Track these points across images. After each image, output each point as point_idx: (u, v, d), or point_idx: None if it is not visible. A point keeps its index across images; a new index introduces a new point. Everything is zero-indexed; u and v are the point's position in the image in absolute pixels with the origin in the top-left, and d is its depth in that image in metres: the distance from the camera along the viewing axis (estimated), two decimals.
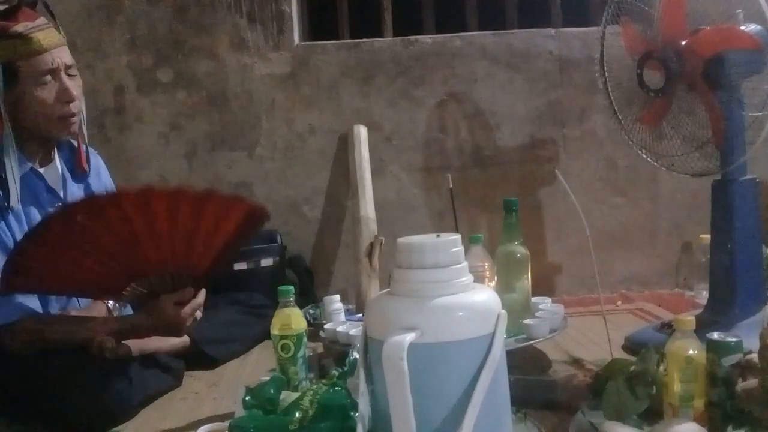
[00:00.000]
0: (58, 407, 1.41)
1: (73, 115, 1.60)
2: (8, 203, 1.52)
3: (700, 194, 2.20)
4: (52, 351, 1.48)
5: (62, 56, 1.57)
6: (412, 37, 2.42)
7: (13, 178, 1.52)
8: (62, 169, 1.69)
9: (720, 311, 1.63)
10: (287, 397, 1.21)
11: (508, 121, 2.41)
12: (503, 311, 0.97)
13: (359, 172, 2.26)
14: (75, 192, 1.70)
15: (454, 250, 0.98)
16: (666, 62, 1.59)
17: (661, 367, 1.18)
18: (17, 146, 1.55)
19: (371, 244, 2.07)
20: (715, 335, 1.18)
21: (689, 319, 1.17)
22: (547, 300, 1.76)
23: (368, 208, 2.19)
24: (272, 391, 1.20)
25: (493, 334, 0.94)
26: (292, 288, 1.41)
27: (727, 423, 1.12)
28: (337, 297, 1.87)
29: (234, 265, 2.14)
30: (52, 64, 1.55)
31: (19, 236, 1.54)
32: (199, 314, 1.61)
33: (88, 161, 1.73)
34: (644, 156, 1.77)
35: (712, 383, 1.13)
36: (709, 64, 1.56)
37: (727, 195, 1.65)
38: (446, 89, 2.40)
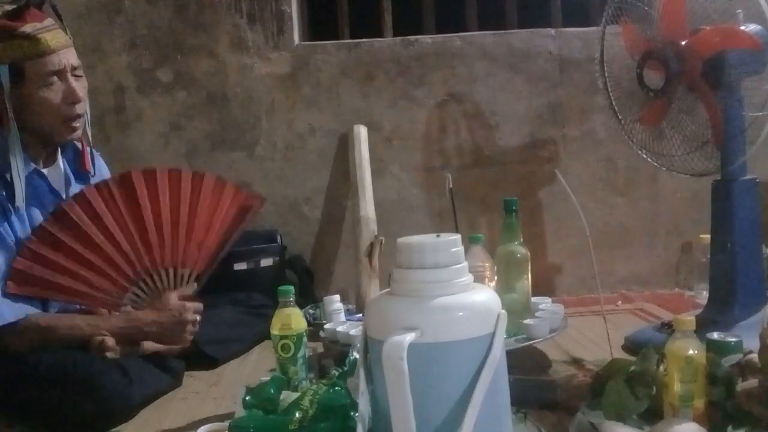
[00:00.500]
0: (58, 407, 1.41)
1: (79, 116, 1.60)
2: (13, 203, 1.52)
3: (700, 194, 2.20)
4: (53, 351, 1.48)
5: (69, 57, 1.57)
6: (412, 37, 2.42)
7: (19, 178, 1.52)
8: (66, 170, 1.69)
9: (720, 311, 1.63)
10: (287, 397, 1.21)
11: (508, 121, 2.41)
12: (503, 311, 0.96)
13: (359, 172, 2.26)
14: None
15: (454, 250, 0.98)
16: (666, 62, 1.59)
17: (661, 367, 1.18)
18: (22, 147, 1.54)
19: (371, 244, 2.07)
20: (715, 335, 1.19)
21: (689, 319, 1.16)
22: (547, 300, 1.76)
23: (368, 208, 2.19)
24: (272, 391, 1.20)
25: (493, 334, 0.94)
26: (292, 288, 1.41)
27: (727, 423, 1.11)
28: (337, 297, 1.87)
29: (234, 265, 2.14)
30: (58, 65, 1.55)
31: (21, 236, 1.54)
32: (197, 326, 1.63)
33: (93, 163, 1.73)
34: (644, 156, 1.77)
35: (712, 383, 1.13)
36: (709, 64, 1.56)
37: (727, 195, 1.65)
38: (446, 89, 2.40)
